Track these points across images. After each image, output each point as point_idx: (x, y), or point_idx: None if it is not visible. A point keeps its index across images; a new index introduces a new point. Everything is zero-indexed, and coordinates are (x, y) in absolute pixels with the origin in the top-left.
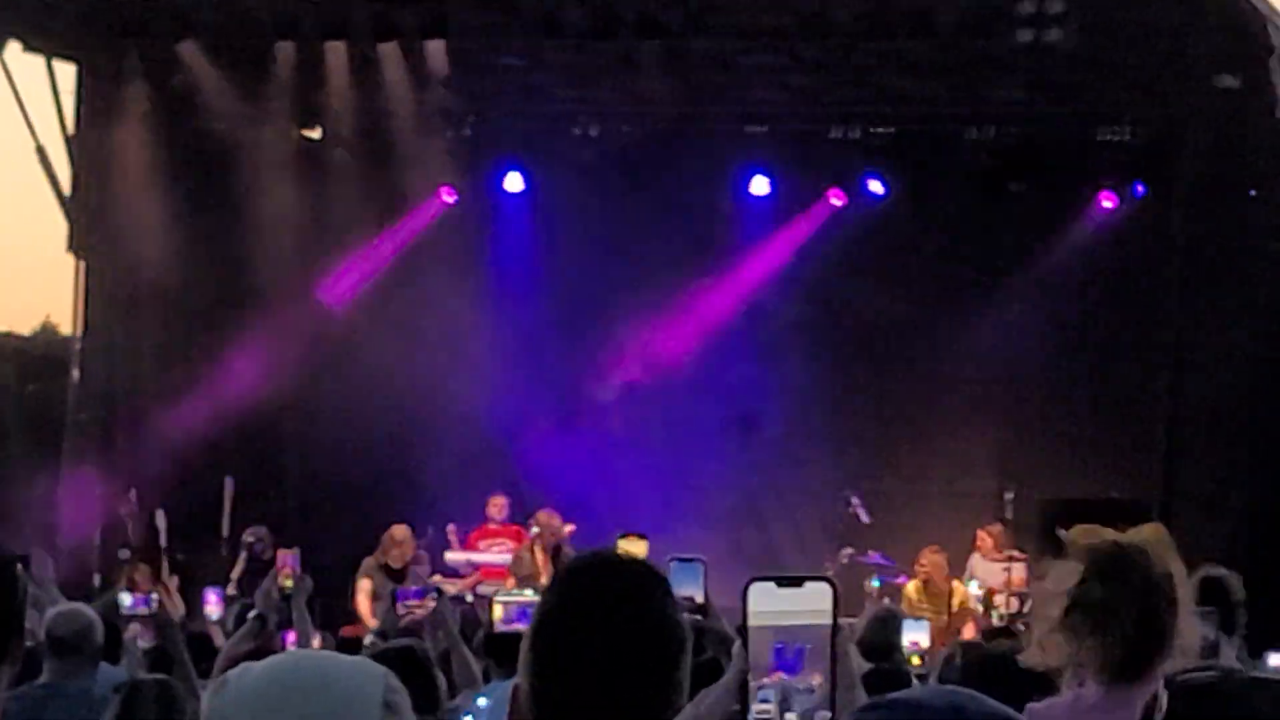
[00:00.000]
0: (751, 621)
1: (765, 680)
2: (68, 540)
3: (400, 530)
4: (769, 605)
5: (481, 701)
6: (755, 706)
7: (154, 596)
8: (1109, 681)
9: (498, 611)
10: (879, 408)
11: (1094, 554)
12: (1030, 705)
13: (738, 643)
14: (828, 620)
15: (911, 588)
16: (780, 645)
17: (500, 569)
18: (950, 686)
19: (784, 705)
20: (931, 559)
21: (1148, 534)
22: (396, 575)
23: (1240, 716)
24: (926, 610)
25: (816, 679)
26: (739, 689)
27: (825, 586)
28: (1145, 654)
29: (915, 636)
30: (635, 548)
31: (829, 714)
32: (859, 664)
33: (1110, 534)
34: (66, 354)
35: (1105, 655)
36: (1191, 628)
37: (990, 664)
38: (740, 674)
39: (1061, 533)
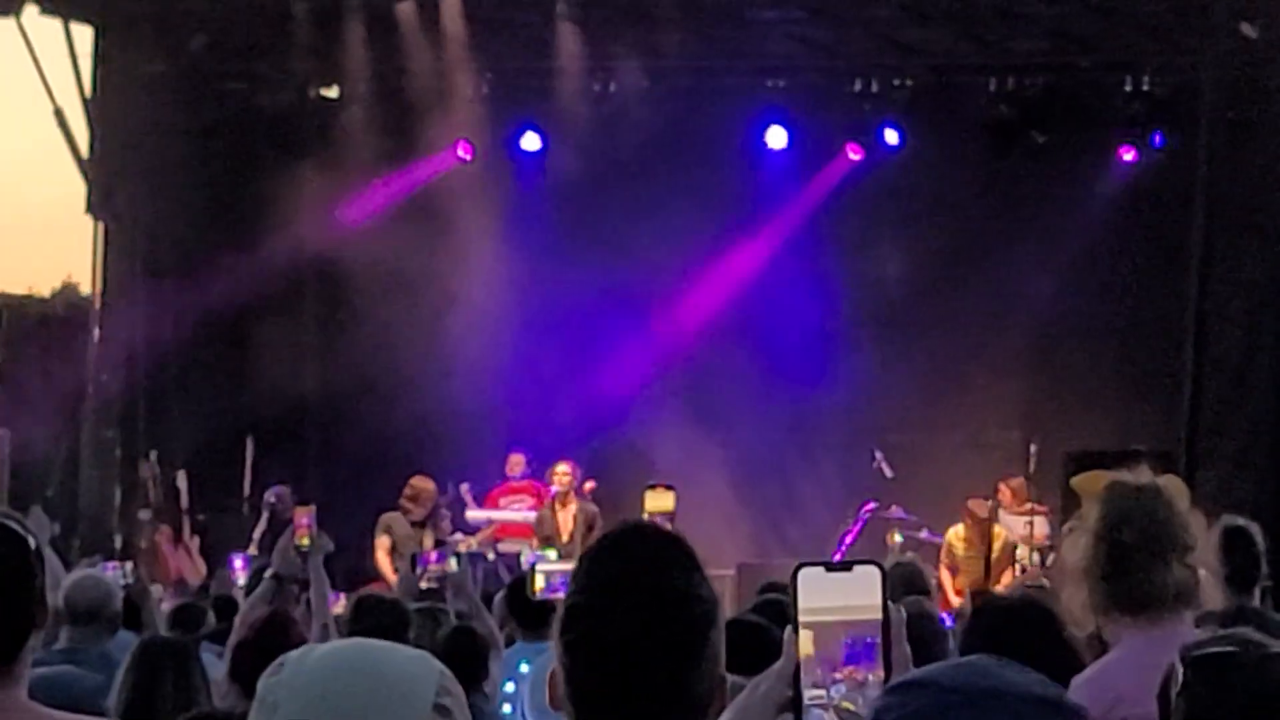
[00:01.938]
0: (804, 617)
1: (836, 676)
2: (88, 502)
3: (420, 481)
4: (820, 592)
5: (524, 668)
6: (808, 693)
7: (129, 566)
8: (1147, 623)
9: (539, 581)
10: (901, 361)
11: (1110, 495)
12: (1076, 680)
13: (788, 629)
14: (878, 614)
15: (953, 533)
16: (851, 640)
17: (521, 526)
18: (975, 659)
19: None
20: (975, 504)
21: (1163, 479)
22: (417, 527)
23: (1260, 690)
24: (970, 555)
25: (878, 671)
26: (792, 678)
27: (875, 572)
28: (1174, 588)
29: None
30: (662, 499)
31: None
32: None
33: (1124, 475)
34: (87, 315)
35: (1136, 593)
36: (1213, 585)
37: (1011, 621)
38: (791, 661)
39: (1073, 481)
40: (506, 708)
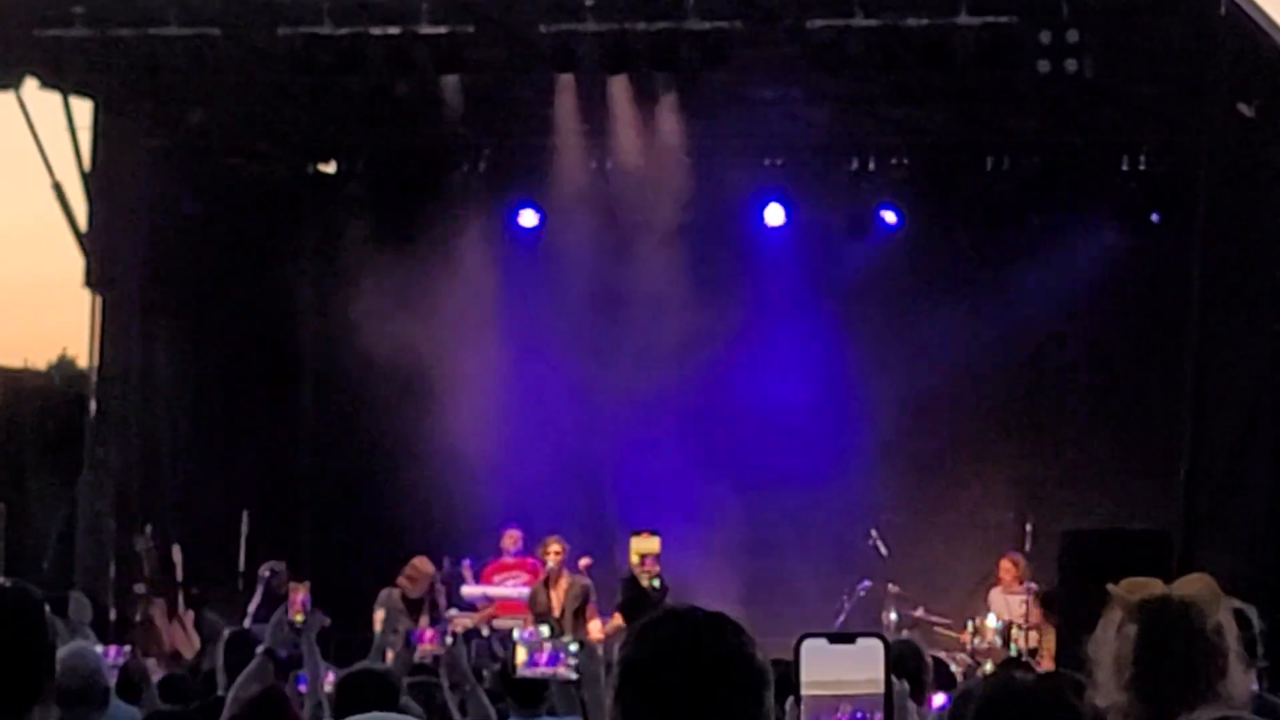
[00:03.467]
0: (806, 689)
1: None
2: (83, 575)
3: (421, 563)
4: (823, 665)
5: None
6: None
7: (126, 649)
8: None
9: (521, 655)
10: (897, 438)
11: (1144, 607)
12: None
13: (790, 700)
14: (879, 688)
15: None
16: (852, 712)
17: (516, 602)
18: None
19: None
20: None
21: (1196, 585)
22: (413, 606)
23: None
24: None
25: None
26: None
27: (878, 645)
28: (1189, 704)
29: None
30: (648, 543)
31: None
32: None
33: (1159, 586)
34: (84, 388)
35: (1148, 706)
36: (1242, 679)
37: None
38: None
39: (1111, 587)
40: None
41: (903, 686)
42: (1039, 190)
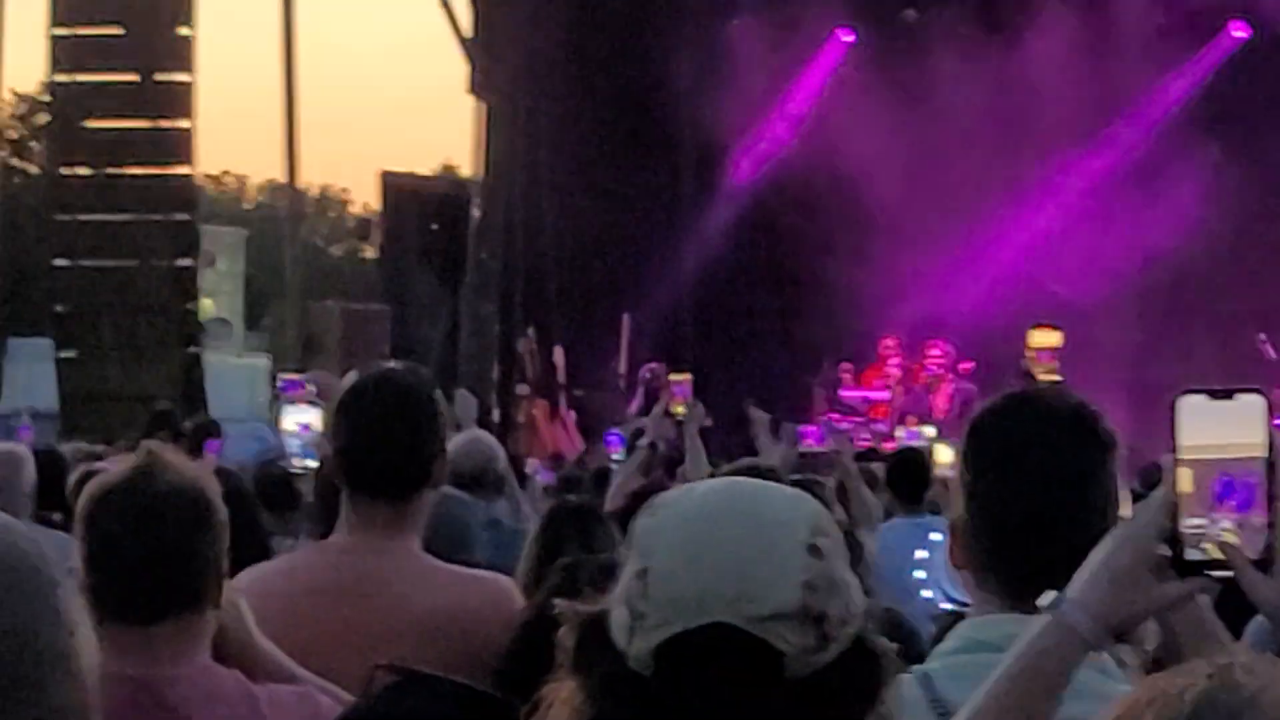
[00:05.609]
0: (1185, 443)
1: (1216, 514)
2: (467, 375)
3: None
4: (1200, 424)
5: (935, 536)
6: (1188, 524)
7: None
8: None
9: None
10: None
11: None
12: None
13: (1167, 456)
14: (1262, 452)
15: None
16: (1228, 479)
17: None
18: None
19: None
20: None
21: None
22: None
23: None
24: None
25: (1259, 512)
26: (1171, 511)
27: (1259, 401)
28: None
29: None
30: (1048, 337)
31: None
32: None
33: None
34: (467, 194)
35: None
36: None
37: None
38: (1170, 492)
39: None
40: (921, 573)
41: None
42: None
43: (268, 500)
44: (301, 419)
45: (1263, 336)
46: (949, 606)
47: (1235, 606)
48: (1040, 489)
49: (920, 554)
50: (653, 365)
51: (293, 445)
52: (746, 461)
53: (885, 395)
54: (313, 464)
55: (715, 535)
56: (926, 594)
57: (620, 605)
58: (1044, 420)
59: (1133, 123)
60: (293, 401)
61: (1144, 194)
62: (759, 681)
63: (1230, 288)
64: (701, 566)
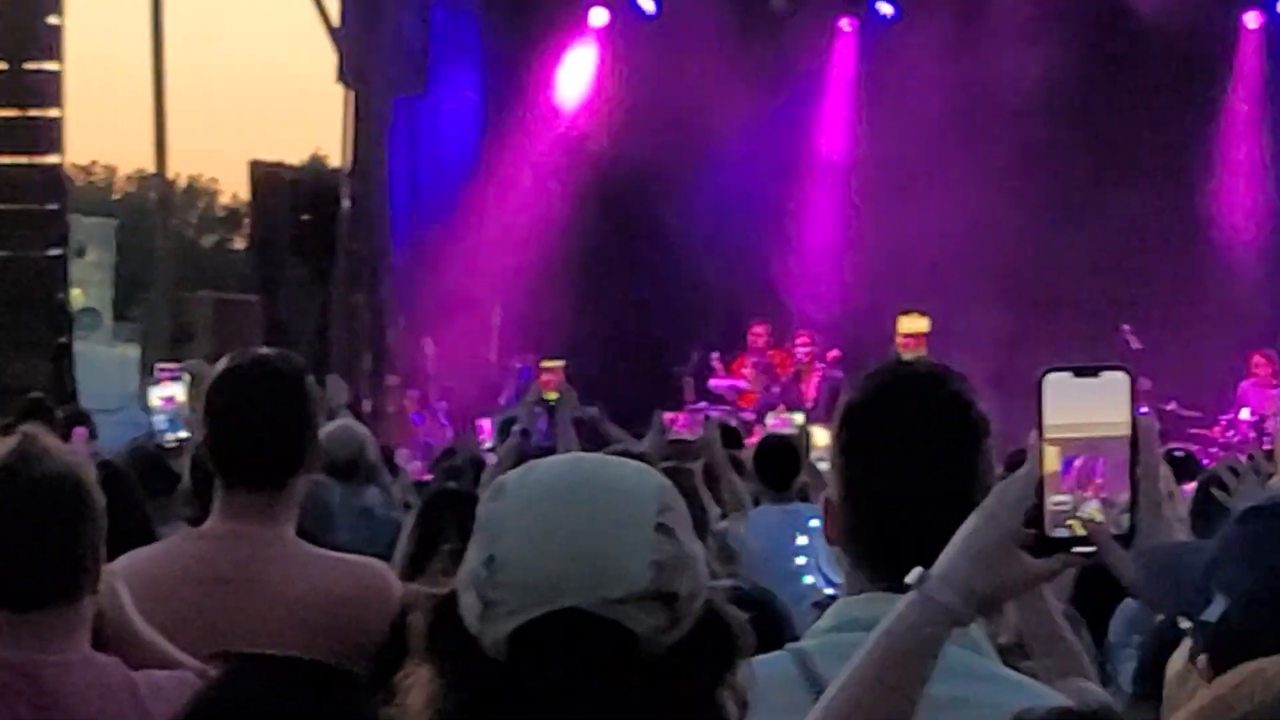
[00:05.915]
0: (1049, 421)
1: (1085, 493)
2: (338, 366)
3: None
4: (1065, 402)
5: (814, 522)
6: (1051, 500)
7: None
8: None
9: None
10: (1145, 229)
11: None
12: None
13: (1032, 434)
14: (1125, 430)
15: None
16: (1093, 458)
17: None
18: None
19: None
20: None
21: None
22: None
23: None
24: None
25: (1124, 490)
26: (1037, 488)
27: (1123, 379)
28: None
29: None
30: (916, 323)
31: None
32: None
33: None
34: (337, 183)
35: None
36: None
37: None
38: (1035, 470)
39: None
40: (801, 559)
41: (1153, 424)
42: None
43: (145, 483)
44: (164, 394)
45: (1127, 327)
46: (831, 592)
47: (1102, 585)
48: (909, 467)
49: (801, 540)
50: (524, 355)
51: (159, 421)
52: (618, 447)
53: (753, 384)
54: (183, 435)
55: (562, 518)
56: (809, 580)
57: (469, 591)
58: (916, 398)
59: (999, 112)
60: (158, 383)
61: (1010, 180)
62: (614, 664)
63: (1094, 276)
64: (551, 552)
